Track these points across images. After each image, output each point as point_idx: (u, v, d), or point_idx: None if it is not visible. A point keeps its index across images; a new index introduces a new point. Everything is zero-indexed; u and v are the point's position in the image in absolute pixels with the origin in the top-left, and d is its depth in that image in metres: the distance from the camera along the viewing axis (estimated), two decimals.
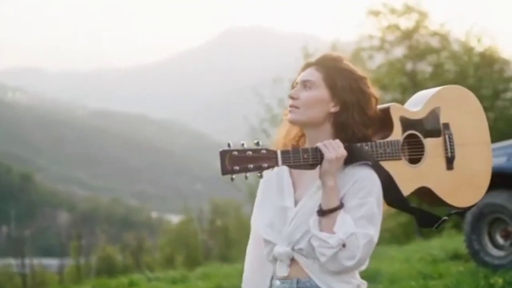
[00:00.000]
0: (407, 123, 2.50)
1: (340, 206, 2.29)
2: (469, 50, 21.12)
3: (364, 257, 2.28)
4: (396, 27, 21.03)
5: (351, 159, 2.35)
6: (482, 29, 21.22)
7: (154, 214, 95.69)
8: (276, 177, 2.49)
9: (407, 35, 20.82)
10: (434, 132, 2.55)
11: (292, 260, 2.39)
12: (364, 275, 2.39)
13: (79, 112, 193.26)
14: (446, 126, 2.57)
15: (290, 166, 2.31)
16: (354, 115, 2.39)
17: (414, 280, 7.14)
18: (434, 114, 2.56)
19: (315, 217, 2.31)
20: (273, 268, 2.45)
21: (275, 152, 2.25)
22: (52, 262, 43.33)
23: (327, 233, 2.26)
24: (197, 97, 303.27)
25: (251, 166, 2.21)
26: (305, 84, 2.43)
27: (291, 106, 2.44)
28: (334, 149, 2.31)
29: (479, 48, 21.09)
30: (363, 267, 2.40)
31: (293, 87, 2.47)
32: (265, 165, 2.23)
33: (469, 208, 2.65)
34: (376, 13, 21.17)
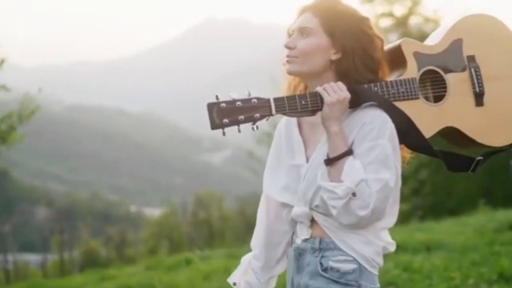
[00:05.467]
0: (423, 59, 2.28)
1: (348, 152, 2.11)
2: None
3: (380, 205, 2.07)
4: (390, 14, 21.06)
5: (357, 101, 2.16)
6: None
7: (133, 208, 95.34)
8: (285, 137, 2.34)
9: (401, 22, 20.83)
10: (457, 66, 2.32)
11: (312, 220, 2.22)
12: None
13: (55, 107, 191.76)
14: (471, 58, 2.33)
15: (287, 114, 2.14)
16: (356, 61, 2.19)
17: (492, 247, 6.82)
18: (455, 47, 2.33)
19: (323, 168, 2.14)
20: (294, 230, 2.30)
21: (267, 100, 2.09)
22: (33, 258, 42.83)
23: (335, 183, 2.09)
24: (173, 90, 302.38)
25: (242, 117, 2.05)
26: (302, 32, 2.22)
27: (288, 56, 2.24)
28: (335, 92, 2.13)
29: None
30: (387, 223, 2.20)
31: (289, 36, 2.27)
32: (258, 115, 2.07)
33: (507, 148, 2.38)
34: (370, 0, 21.25)
